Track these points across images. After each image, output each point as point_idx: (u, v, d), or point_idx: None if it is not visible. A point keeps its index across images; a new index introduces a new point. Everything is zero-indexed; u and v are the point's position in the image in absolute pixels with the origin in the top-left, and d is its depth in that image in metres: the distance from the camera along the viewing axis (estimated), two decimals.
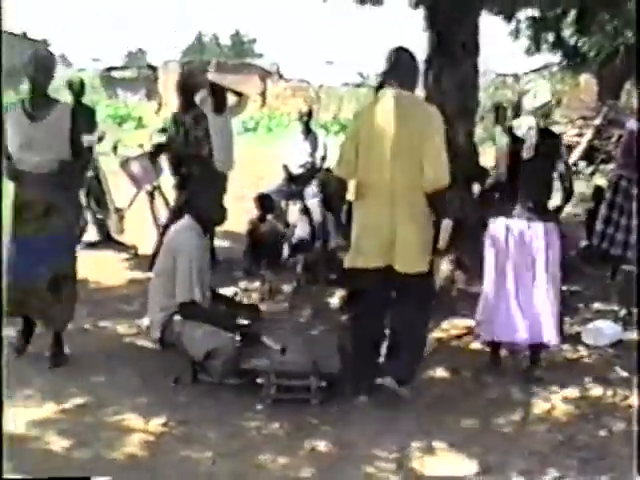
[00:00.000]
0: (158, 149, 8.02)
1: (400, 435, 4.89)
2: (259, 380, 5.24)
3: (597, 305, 7.37)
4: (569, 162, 6.08)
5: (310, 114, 10.33)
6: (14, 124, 5.49)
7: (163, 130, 8.52)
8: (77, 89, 9.19)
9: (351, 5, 8.94)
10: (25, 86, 6.02)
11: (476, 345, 6.28)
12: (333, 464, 4.54)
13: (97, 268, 7.78)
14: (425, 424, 5.07)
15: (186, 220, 5.65)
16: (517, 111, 5.69)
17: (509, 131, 5.53)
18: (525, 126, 5.47)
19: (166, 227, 6.99)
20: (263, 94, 29.97)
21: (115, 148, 8.75)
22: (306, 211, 6.97)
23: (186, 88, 7.27)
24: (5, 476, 3.19)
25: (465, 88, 8.07)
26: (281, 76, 34.17)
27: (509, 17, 9.54)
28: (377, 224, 5.15)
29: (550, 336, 5.61)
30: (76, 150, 5.68)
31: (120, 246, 8.93)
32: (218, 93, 8.74)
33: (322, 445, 4.75)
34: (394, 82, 5.15)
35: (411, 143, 5.02)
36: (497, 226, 5.63)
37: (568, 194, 5.64)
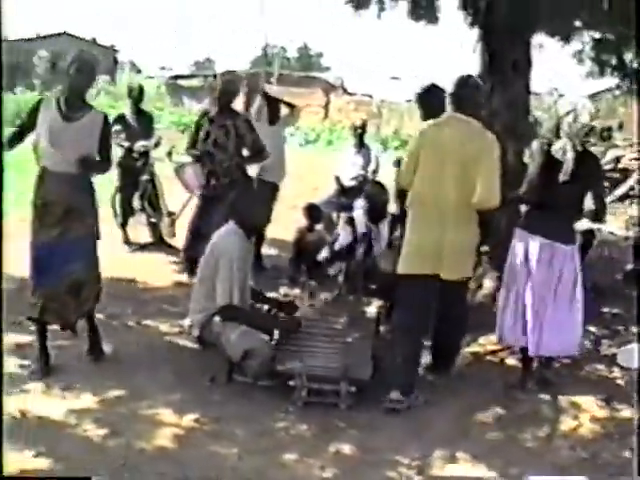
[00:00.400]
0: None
1: (424, 443, 5.00)
2: (291, 383, 5.40)
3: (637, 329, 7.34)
4: (603, 184, 6.12)
5: (364, 128, 10.45)
6: (46, 120, 5.49)
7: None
8: (136, 95, 9.48)
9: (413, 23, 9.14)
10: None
11: (511, 361, 6.35)
12: (356, 467, 4.67)
13: (146, 269, 8.00)
14: (450, 434, 5.18)
15: (230, 225, 5.83)
16: (556, 132, 5.74)
17: (547, 152, 5.61)
18: (563, 149, 5.54)
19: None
20: (326, 107, 30.22)
21: (170, 154, 8.96)
22: (350, 221, 7.09)
23: (223, 95, 7.32)
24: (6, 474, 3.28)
25: (515, 108, 8.11)
26: (345, 90, 34.43)
27: (566, 38, 9.54)
28: (428, 234, 5.55)
29: (565, 349, 5.81)
30: (104, 158, 5.73)
31: (171, 249, 9.12)
32: (272, 104, 8.92)
33: (347, 448, 4.88)
34: (457, 107, 5.61)
35: (466, 163, 5.42)
36: (522, 242, 5.73)
37: (601, 216, 5.74)
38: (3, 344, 3.07)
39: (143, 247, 9.21)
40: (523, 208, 6.03)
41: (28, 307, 5.60)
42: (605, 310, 7.74)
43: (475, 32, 8.56)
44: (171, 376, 5.73)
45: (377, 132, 24.86)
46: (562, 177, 5.50)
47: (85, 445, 4.67)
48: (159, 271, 8.28)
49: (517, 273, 5.75)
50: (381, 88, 32.56)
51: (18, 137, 5.61)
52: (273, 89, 30.23)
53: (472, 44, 8.63)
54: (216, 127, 7.23)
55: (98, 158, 5.67)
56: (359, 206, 7.57)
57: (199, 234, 7.10)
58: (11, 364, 5.65)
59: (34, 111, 5.57)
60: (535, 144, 5.78)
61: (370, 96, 30.35)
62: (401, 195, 6.13)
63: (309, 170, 15.00)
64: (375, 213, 7.08)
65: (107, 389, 5.41)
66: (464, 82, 5.67)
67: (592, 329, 7.09)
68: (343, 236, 7.00)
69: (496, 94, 8.21)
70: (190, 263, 7.28)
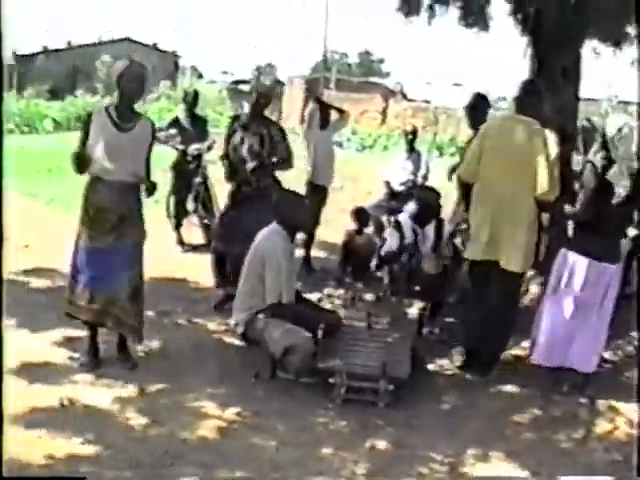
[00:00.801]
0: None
1: (459, 441, 5.13)
2: (331, 380, 5.55)
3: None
4: None
5: (415, 133, 10.55)
6: (99, 130, 5.56)
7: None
8: (190, 100, 9.71)
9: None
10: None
11: None
12: (389, 462, 4.81)
13: (197, 269, 8.18)
14: (485, 433, 5.30)
15: (273, 226, 6.01)
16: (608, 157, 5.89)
17: (601, 176, 5.77)
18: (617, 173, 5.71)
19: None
20: (384, 113, 30.25)
21: (222, 157, 9.15)
22: (397, 226, 7.20)
23: (259, 102, 7.26)
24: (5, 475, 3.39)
25: (564, 113, 8.15)
26: (404, 96, 34.37)
27: (617, 44, 9.54)
28: (489, 223, 6.03)
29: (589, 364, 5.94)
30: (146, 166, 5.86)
31: None
32: (324, 109, 9.09)
33: (382, 444, 5.02)
34: (519, 109, 6.12)
35: (526, 159, 5.89)
36: (569, 263, 5.85)
37: None
38: (3, 344, 3.19)
39: (195, 248, 9.41)
40: (571, 228, 6.16)
41: (75, 309, 5.79)
42: None
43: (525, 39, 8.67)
44: (216, 371, 5.92)
45: (433, 138, 24.84)
46: (616, 200, 5.67)
47: (129, 434, 4.88)
48: (210, 272, 8.47)
49: (561, 293, 5.88)
50: (441, 94, 32.53)
51: (84, 156, 5.59)
52: (331, 94, 30.51)
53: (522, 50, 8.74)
54: (250, 134, 7.18)
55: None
56: (407, 210, 7.67)
57: (229, 238, 7.12)
58: (61, 356, 5.90)
59: (86, 125, 5.65)
60: (588, 168, 5.91)
61: (429, 102, 30.28)
62: (463, 189, 6.64)
63: (364, 175, 15.16)
64: (423, 217, 7.19)
65: (152, 382, 5.62)
66: (525, 87, 6.27)
67: (634, 334, 7.13)
68: (390, 241, 7.10)
69: (545, 100, 8.27)
70: (218, 266, 7.35)
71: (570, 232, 6.21)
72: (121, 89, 5.62)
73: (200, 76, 47.76)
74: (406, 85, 36.22)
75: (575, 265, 5.81)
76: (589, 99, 26.02)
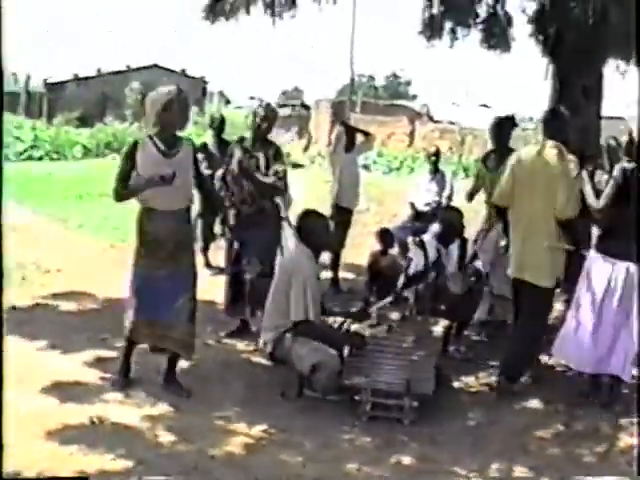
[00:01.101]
0: None
1: (484, 456, 5.20)
2: (357, 397, 5.66)
3: None
4: None
5: (438, 155, 10.68)
6: (147, 159, 5.59)
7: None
8: (217, 125, 9.90)
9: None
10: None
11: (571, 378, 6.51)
12: (413, 476, 4.90)
13: None
14: (510, 449, 5.36)
15: (299, 245, 6.16)
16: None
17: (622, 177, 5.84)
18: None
19: None
20: (411, 135, 30.40)
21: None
22: (421, 245, 7.31)
23: (261, 126, 7.18)
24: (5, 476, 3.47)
25: (586, 132, 8.23)
26: (431, 118, 34.52)
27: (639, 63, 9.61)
28: (520, 242, 6.33)
29: (620, 369, 5.96)
30: (206, 187, 6.16)
31: None
32: (349, 133, 9.24)
33: (406, 460, 5.11)
34: (548, 135, 6.36)
35: (552, 182, 6.10)
36: (599, 266, 5.95)
37: None
38: (3, 342, 3.30)
39: (222, 270, 9.54)
40: (596, 233, 6.25)
41: (136, 335, 5.86)
42: None
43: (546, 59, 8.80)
44: (244, 390, 6.03)
45: (459, 159, 24.98)
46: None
47: (159, 450, 5.00)
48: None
49: (594, 295, 5.98)
50: (468, 115, 32.63)
51: (126, 185, 5.66)
52: (357, 117, 30.67)
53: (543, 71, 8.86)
54: (248, 157, 7.15)
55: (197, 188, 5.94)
56: (431, 230, 7.78)
57: (239, 259, 7.31)
58: (91, 376, 6.07)
59: (131, 154, 5.63)
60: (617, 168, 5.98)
61: (457, 124, 30.40)
62: (498, 214, 6.83)
63: (390, 197, 15.28)
64: (447, 237, 7.31)
65: (182, 401, 5.73)
66: (552, 112, 6.68)
67: None
68: (416, 261, 7.22)
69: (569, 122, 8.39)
70: (232, 292, 7.45)
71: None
72: (166, 117, 5.62)
73: (228, 102, 48.25)
74: (432, 107, 36.39)
75: (606, 268, 5.94)
76: (616, 117, 26.07)
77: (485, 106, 38.45)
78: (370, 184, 19.58)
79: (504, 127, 7.84)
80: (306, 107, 36.65)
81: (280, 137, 32.03)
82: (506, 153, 7.51)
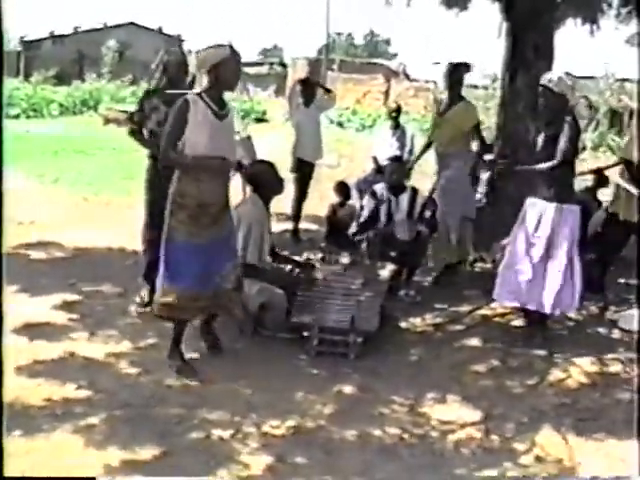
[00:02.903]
0: None
1: (420, 387, 5.61)
2: (305, 334, 6.08)
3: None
4: None
5: (399, 111, 11.01)
6: (199, 119, 5.26)
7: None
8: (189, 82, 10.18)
9: None
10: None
11: (517, 323, 6.95)
12: (354, 404, 5.31)
13: None
14: (445, 381, 5.78)
15: (249, 194, 6.58)
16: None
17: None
18: None
19: None
20: (386, 93, 30.66)
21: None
22: (373, 194, 7.69)
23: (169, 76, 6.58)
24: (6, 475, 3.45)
25: (536, 88, 8.57)
26: (407, 76, 34.71)
27: (592, 22, 9.94)
28: None
29: (556, 305, 6.35)
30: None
31: None
32: (308, 88, 9.57)
33: (348, 389, 5.53)
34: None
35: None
36: (533, 209, 6.36)
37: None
38: (3, 342, 3.60)
39: None
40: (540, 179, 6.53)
41: (169, 309, 5.57)
42: (622, 280, 8.22)
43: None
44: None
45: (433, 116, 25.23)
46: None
47: (121, 381, 5.43)
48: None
49: (525, 237, 6.37)
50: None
51: (176, 148, 5.31)
52: (334, 75, 30.86)
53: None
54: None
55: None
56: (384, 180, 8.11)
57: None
58: (61, 317, 6.48)
59: (183, 113, 5.24)
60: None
61: (434, 82, 30.63)
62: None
63: (361, 153, 15.62)
64: (396, 187, 7.70)
65: (145, 338, 6.16)
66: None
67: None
68: (366, 208, 7.64)
69: (519, 75, 8.79)
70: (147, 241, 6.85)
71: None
72: (218, 76, 5.32)
73: None
74: (412, 66, 36.62)
75: (539, 209, 6.28)
76: (587, 77, 26.39)
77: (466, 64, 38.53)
78: (342, 141, 20.02)
79: (456, 73, 8.12)
80: (284, 65, 36.77)
81: (258, 95, 32.25)
82: (456, 99, 7.90)
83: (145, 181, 6.75)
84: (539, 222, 6.25)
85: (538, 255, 6.27)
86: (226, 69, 5.31)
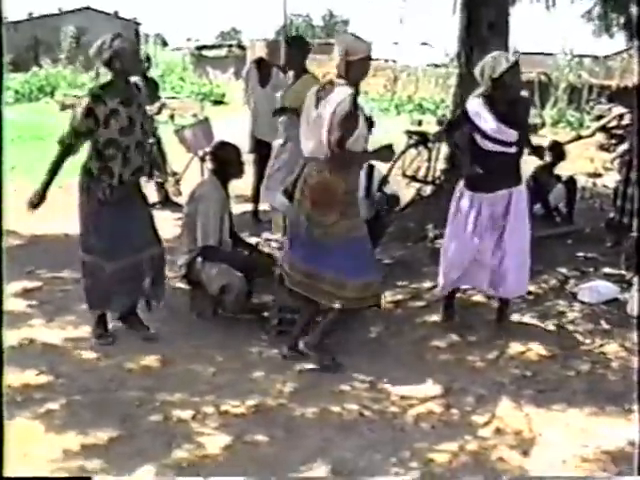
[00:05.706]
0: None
1: (381, 365, 5.65)
2: (265, 314, 6.08)
3: (607, 270, 7.86)
4: None
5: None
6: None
7: None
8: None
9: None
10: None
11: (478, 298, 7.01)
12: (314, 382, 5.34)
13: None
14: (406, 358, 5.84)
15: (208, 176, 6.53)
16: None
17: None
18: None
19: None
20: None
21: (172, 117, 9.58)
22: None
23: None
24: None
25: None
26: None
27: None
28: None
29: (512, 290, 6.35)
30: None
31: (177, 207, 9.74)
32: (264, 68, 9.54)
33: (309, 367, 5.55)
34: None
35: None
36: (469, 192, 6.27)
37: None
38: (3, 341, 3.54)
39: (152, 206, 9.79)
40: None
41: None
42: (580, 254, 8.30)
43: None
44: (163, 312, 6.34)
45: (392, 97, 25.36)
46: None
47: (80, 366, 5.43)
48: (165, 227, 8.88)
49: (466, 220, 6.23)
50: (407, 54, 32.88)
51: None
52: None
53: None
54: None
55: None
56: None
57: None
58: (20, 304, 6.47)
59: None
60: None
61: (394, 61, 30.64)
62: None
63: None
64: None
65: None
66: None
67: (563, 270, 7.71)
68: None
69: (475, 53, 8.80)
70: None
71: None
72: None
73: (165, 43, 47.91)
74: (371, 45, 36.55)
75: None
76: (546, 53, 26.55)
77: (425, 44, 38.64)
78: None
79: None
80: (242, 48, 36.52)
81: (218, 78, 32.08)
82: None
83: None
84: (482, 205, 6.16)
85: (485, 237, 6.20)
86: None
